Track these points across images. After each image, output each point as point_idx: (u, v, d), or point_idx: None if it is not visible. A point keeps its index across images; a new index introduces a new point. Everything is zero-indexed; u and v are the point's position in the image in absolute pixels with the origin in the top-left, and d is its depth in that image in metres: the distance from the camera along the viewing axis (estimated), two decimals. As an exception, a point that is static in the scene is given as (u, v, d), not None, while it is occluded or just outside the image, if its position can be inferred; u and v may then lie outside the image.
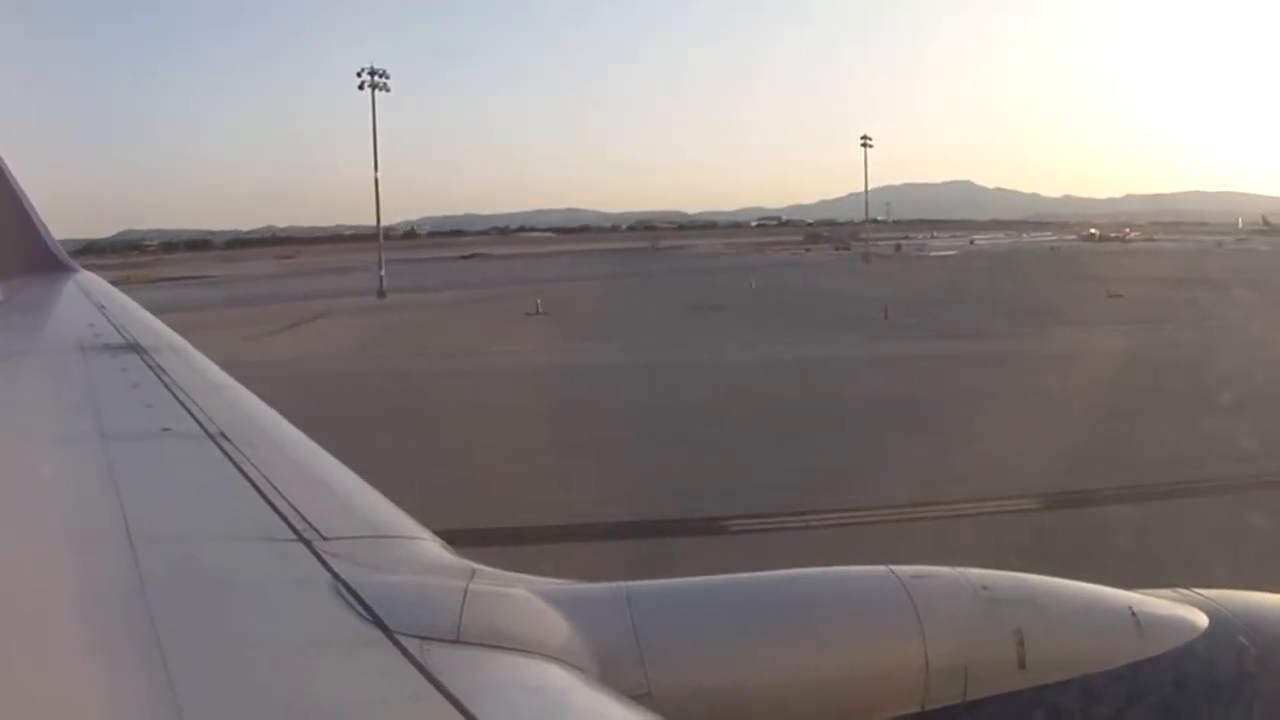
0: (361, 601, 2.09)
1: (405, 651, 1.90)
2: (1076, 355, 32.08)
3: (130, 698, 1.70)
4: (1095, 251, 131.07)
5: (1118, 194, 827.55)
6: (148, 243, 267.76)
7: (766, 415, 22.64)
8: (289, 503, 2.77)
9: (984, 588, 2.54)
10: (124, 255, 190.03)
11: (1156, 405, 22.44)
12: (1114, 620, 2.56)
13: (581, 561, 11.25)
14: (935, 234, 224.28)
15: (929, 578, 2.57)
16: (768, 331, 40.45)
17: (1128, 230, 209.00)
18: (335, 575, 2.25)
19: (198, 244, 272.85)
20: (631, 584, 2.49)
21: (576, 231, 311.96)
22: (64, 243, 11.09)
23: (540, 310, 50.09)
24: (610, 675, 2.16)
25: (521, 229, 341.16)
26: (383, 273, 70.22)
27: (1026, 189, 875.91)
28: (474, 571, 2.40)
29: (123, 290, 10.06)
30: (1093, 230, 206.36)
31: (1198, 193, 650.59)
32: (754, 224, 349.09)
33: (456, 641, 2.00)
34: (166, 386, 4.58)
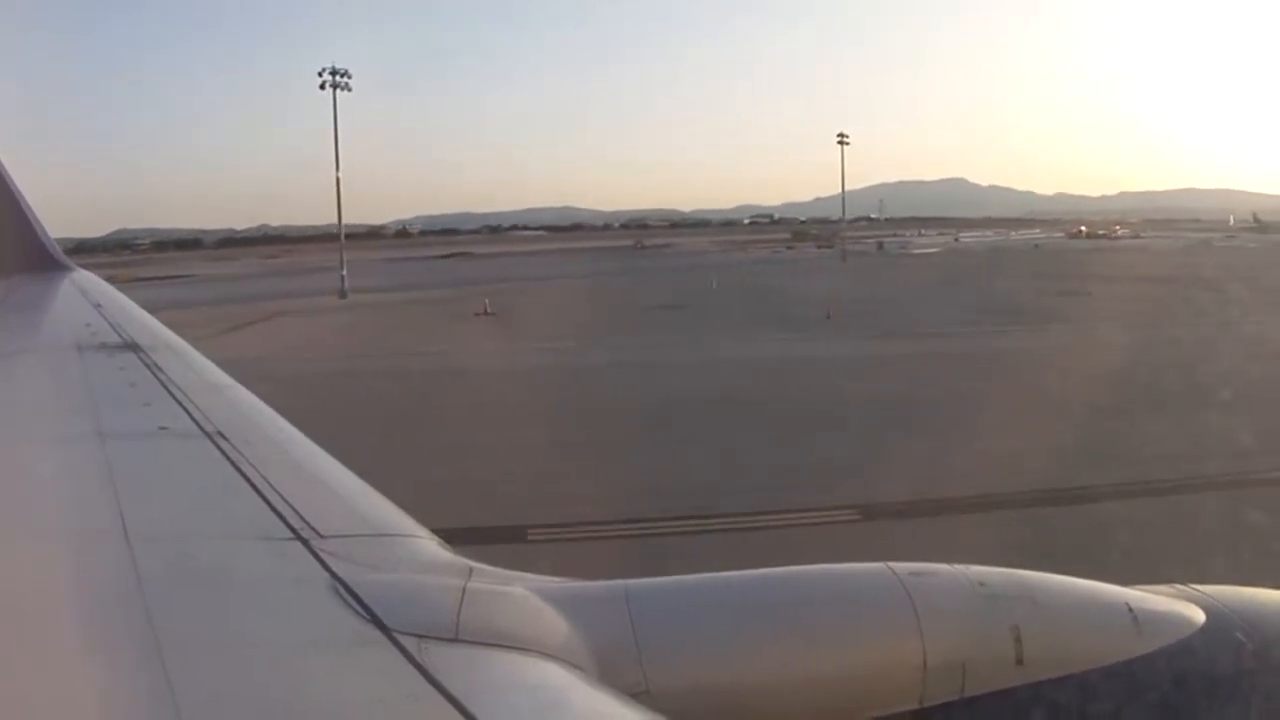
0: (359, 600, 2.09)
1: (403, 650, 1.89)
2: (996, 355, 31.95)
3: (128, 697, 1.69)
4: (1079, 249, 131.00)
5: (1111, 191, 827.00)
6: (139, 242, 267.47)
7: (640, 417, 22.66)
8: (287, 502, 2.77)
9: (981, 584, 2.55)
10: (115, 254, 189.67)
11: (1053, 409, 22.14)
12: (1111, 616, 2.57)
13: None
14: (923, 231, 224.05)
15: (927, 575, 2.57)
16: (704, 331, 40.34)
17: (1116, 227, 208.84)
18: (333, 574, 2.25)
19: (189, 243, 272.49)
20: (630, 582, 2.50)
21: (569, 230, 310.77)
22: (57, 242, 11.12)
23: (488, 311, 50.14)
24: (608, 673, 2.16)
25: (514, 228, 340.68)
26: (344, 273, 70.25)
27: (1021, 186, 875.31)
28: (472, 570, 2.40)
29: None
30: (1081, 228, 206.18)
31: (1192, 190, 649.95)
32: (746, 222, 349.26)
33: (455, 640, 1.99)
34: (164, 385, 4.58)
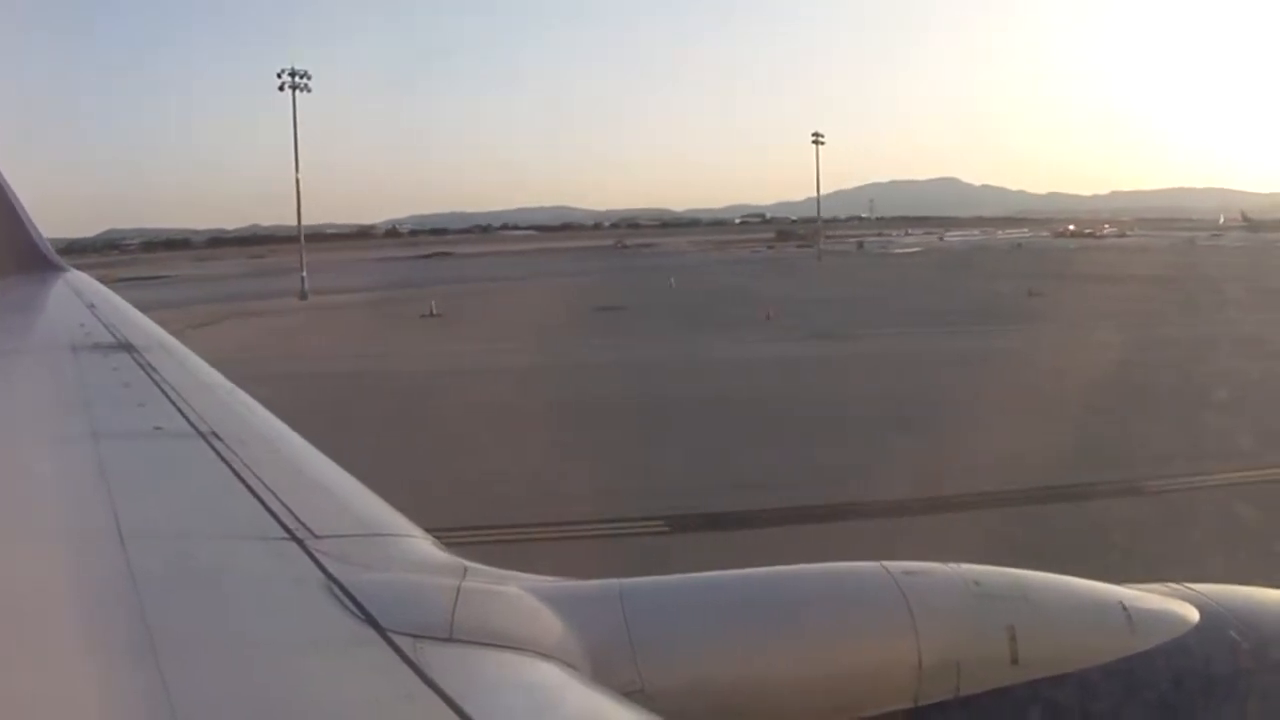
0: (354, 600, 2.07)
1: (398, 650, 1.88)
2: (908, 358, 31.65)
3: (121, 698, 1.69)
4: (1060, 248, 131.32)
5: (1104, 191, 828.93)
6: (128, 242, 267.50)
7: (533, 418, 22.20)
8: (281, 501, 2.74)
9: (976, 583, 2.54)
10: (103, 254, 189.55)
11: (926, 417, 21.72)
12: (1105, 615, 2.56)
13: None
14: (910, 231, 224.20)
15: (921, 573, 2.56)
16: (643, 333, 40.04)
17: (1105, 226, 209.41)
18: (327, 574, 2.22)
19: (178, 243, 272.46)
20: (624, 581, 2.48)
21: (559, 229, 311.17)
22: (48, 242, 11.03)
23: (433, 313, 50.11)
24: (603, 672, 2.15)
25: (504, 227, 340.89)
26: (304, 274, 70.16)
27: (1013, 186, 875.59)
28: (466, 569, 2.38)
29: None
30: (1070, 226, 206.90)
31: (1185, 189, 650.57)
32: (738, 221, 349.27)
33: (449, 639, 1.97)
34: (158, 385, 4.56)
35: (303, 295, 67.83)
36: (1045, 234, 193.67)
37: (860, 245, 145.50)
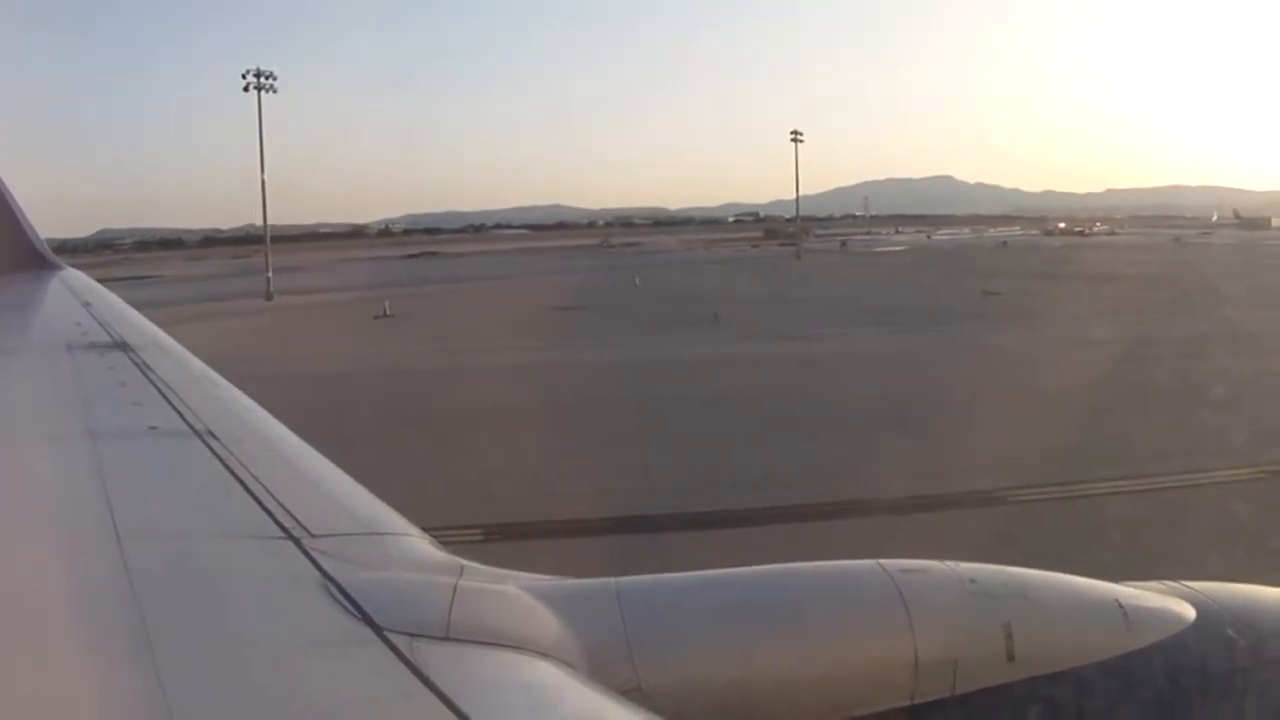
0: (350, 599, 2.07)
1: (395, 649, 1.89)
2: (830, 359, 31.67)
3: (118, 696, 1.69)
4: (1044, 246, 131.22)
5: (1098, 189, 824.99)
6: (121, 242, 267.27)
7: (418, 419, 22.37)
8: (277, 500, 2.75)
9: (972, 581, 2.54)
10: (95, 254, 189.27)
11: (836, 418, 21.77)
12: (1102, 613, 2.57)
13: None
14: (900, 229, 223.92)
15: (918, 572, 2.56)
16: (584, 334, 40.17)
17: (1097, 224, 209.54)
18: (324, 573, 2.22)
19: (171, 243, 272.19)
20: (621, 580, 2.49)
21: (553, 228, 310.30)
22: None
23: (387, 314, 50.24)
24: (600, 671, 2.15)
25: (498, 226, 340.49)
26: (269, 275, 70.22)
27: (1008, 184, 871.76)
28: (463, 568, 2.39)
29: None
30: (1061, 224, 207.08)
31: (1179, 187, 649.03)
32: (731, 220, 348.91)
33: (446, 638, 1.98)
34: (153, 384, 4.56)
35: (268, 296, 67.89)
36: (1035, 232, 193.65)
37: (844, 244, 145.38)
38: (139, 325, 6.98)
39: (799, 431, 20.06)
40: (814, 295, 57.38)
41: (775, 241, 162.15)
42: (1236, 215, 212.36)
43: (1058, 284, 62.43)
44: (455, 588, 2.21)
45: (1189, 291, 52.38)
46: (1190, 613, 2.61)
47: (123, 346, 5.64)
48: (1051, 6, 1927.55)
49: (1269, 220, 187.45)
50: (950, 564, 2.63)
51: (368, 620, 1.99)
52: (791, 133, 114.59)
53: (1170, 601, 2.66)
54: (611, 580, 2.49)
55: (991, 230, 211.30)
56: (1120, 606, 2.58)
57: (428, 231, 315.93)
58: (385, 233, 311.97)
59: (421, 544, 2.64)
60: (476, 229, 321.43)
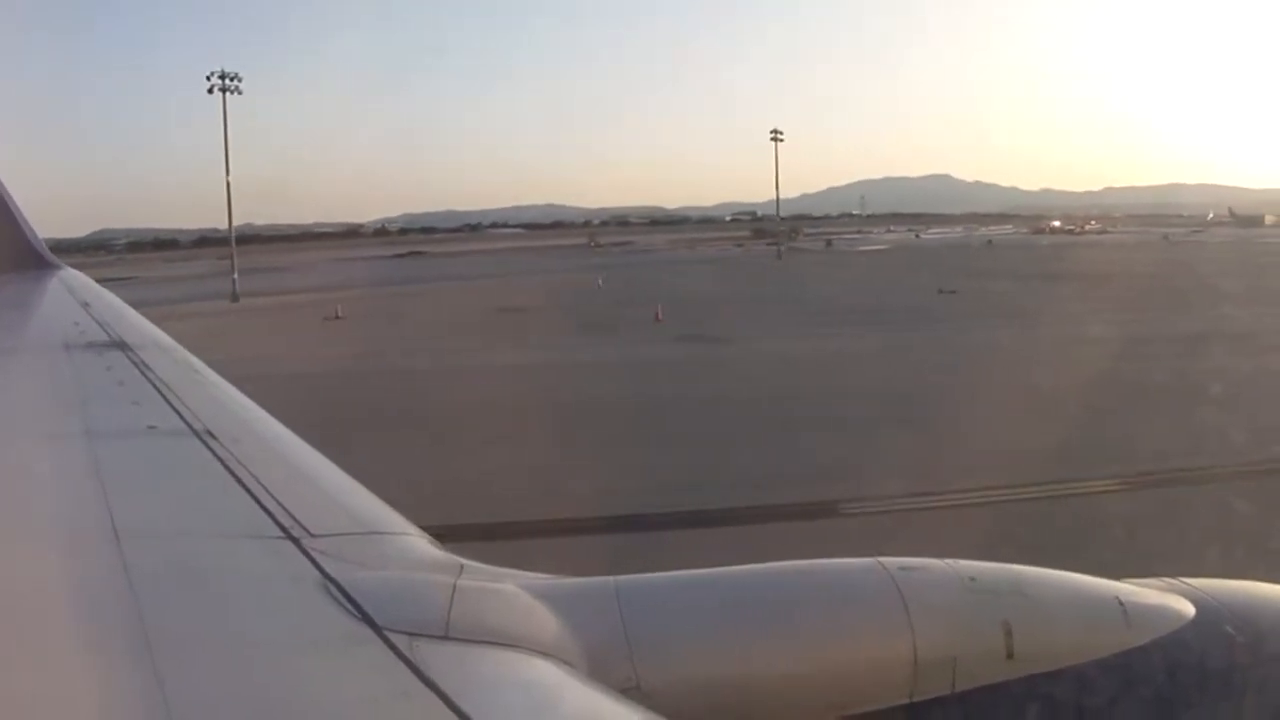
0: (350, 598, 2.07)
1: (394, 648, 1.89)
2: (748, 360, 31.54)
3: (117, 696, 1.69)
4: (1030, 244, 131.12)
5: (1096, 187, 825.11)
6: (114, 242, 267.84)
7: (309, 420, 22.07)
8: (276, 500, 2.74)
9: (972, 579, 2.53)
10: (89, 255, 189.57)
11: (740, 421, 21.62)
12: (1101, 610, 2.56)
13: None
14: (892, 228, 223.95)
15: (917, 569, 2.56)
16: (518, 335, 39.83)
17: (1092, 222, 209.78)
18: (323, 572, 2.22)
19: (166, 243, 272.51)
20: (620, 578, 2.48)
21: (548, 228, 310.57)
22: None
23: (338, 315, 50.39)
24: (599, 669, 2.15)
25: (494, 225, 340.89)
26: (235, 276, 70.60)
27: (1005, 182, 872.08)
28: (462, 567, 2.38)
29: None
30: (1055, 222, 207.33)
31: (1177, 185, 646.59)
32: (728, 219, 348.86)
33: (445, 637, 1.97)
34: (152, 384, 4.56)
35: (234, 298, 67.99)
36: (1025, 231, 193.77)
37: (829, 243, 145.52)
38: (138, 325, 6.95)
39: (640, 437, 19.85)
40: (772, 295, 57.30)
41: (763, 241, 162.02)
42: (1231, 213, 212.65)
43: (1019, 283, 62.28)
44: (454, 587, 2.20)
45: (1147, 290, 52.23)
46: (1189, 609, 2.61)
47: (121, 346, 5.63)
48: (1050, 5, 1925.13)
49: (1263, 218, 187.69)
50: (949, 562, 2.62)
51: (367, 620, 1.98)
52: (772, 132, 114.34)
53: (1169, 598, 2.66)
54: (610, 579, 2.48)
55: (984, 229, 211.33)
56: (1120, 603, 2.57)
57: (424, 231, 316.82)
58: (381, 232, 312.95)
59: (420, 543, 2.64)
60: (473, 228, 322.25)
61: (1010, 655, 2.41)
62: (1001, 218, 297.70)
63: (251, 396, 4.66)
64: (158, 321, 7.33)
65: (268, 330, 46.51)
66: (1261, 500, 14.05)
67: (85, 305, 7.68)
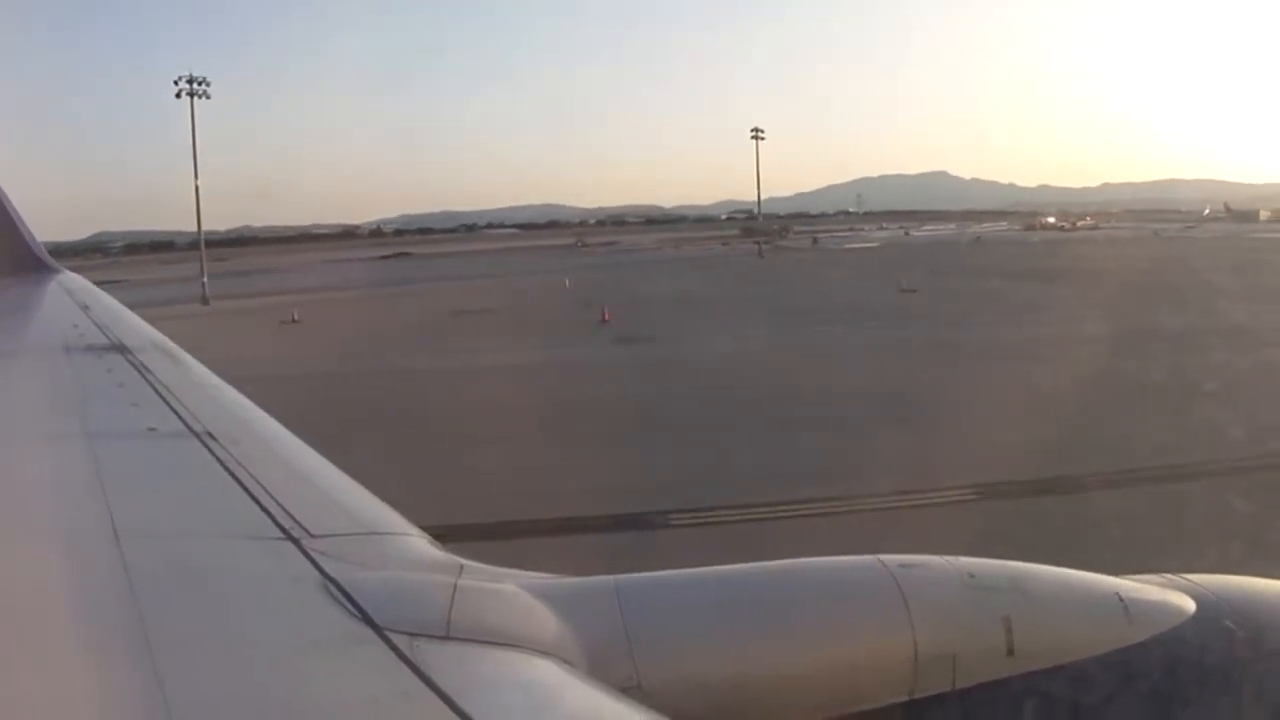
0: (350, 599, 2.07)
1: (395, 648, 1.89)
2: (667, 363, 31.64)
3: (117, 697, 1.68)
4: (1016, 241, 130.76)
5: (1094, 183, 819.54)
6: (111, 245, 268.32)
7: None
8: (276, 501, 2.75)
9: (971, 576, 2.54)
10: (85, 258, 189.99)
11: (597, 427, 21.69)
12: (1101, 606, 2.57)
13: None
14: (885, 226, 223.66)
15: (917, 567, 2.56)
16: (464, 339, 40.07)
17: (1087, 219, 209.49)
18: (323, 573, 2.22)
19: (162, 245, 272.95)
20: (620, 577, 2.49)
21: (544, 228, 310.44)
22: None
23: (294, 319, 50.71)
24: (600, 669, 2.15)
25: (490, 226, 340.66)
26: (205, 280, 70.85)
27: (1003, 179, 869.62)
28: (463, 567, 2.39)
29: None
30: (1051, 219, 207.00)
31: (1175, 181, 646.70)
32: (724, 217, 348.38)
33: (446, 637, 1.98)
34: (151, 386, 4.57)
35: (204, 301, 68.24)
36: (1018, 227, 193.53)
37: (815, 241, 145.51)
38: (137, 328, 6.99)
39: (498, 439, 19.83)
40: (733, 295, 57.43)
41: (751, 239, 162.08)
42: (1227, 209, 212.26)
43: (983, 280, 62.32)
44: (455, 587, 2.20)
45: (1108, 286, 52.09)
46: (1190, 605, 2.61)
47: (120, 349, 5.65)
48: (1047, 3, 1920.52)
49: (1257, 213, 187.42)
50: (949, 559, 2.63)
51: (368, 620, 1.98)
52: (753, 131, 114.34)
53: (1170, 594, 2.66)
54: (610, 578, 2.49)
55: (977, 226, 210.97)
56: (1120, 599, 2.57)
57: (420, 232, 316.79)
58: (377, 233, 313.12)
59: (421, 543, 2.65)
60: (469, 229, 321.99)
61: (1011, 652, 2.41)
62: (999, 215, 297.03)
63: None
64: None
65: (221, 333, 46.45)
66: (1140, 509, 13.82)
67: (84, 308, 7.73)
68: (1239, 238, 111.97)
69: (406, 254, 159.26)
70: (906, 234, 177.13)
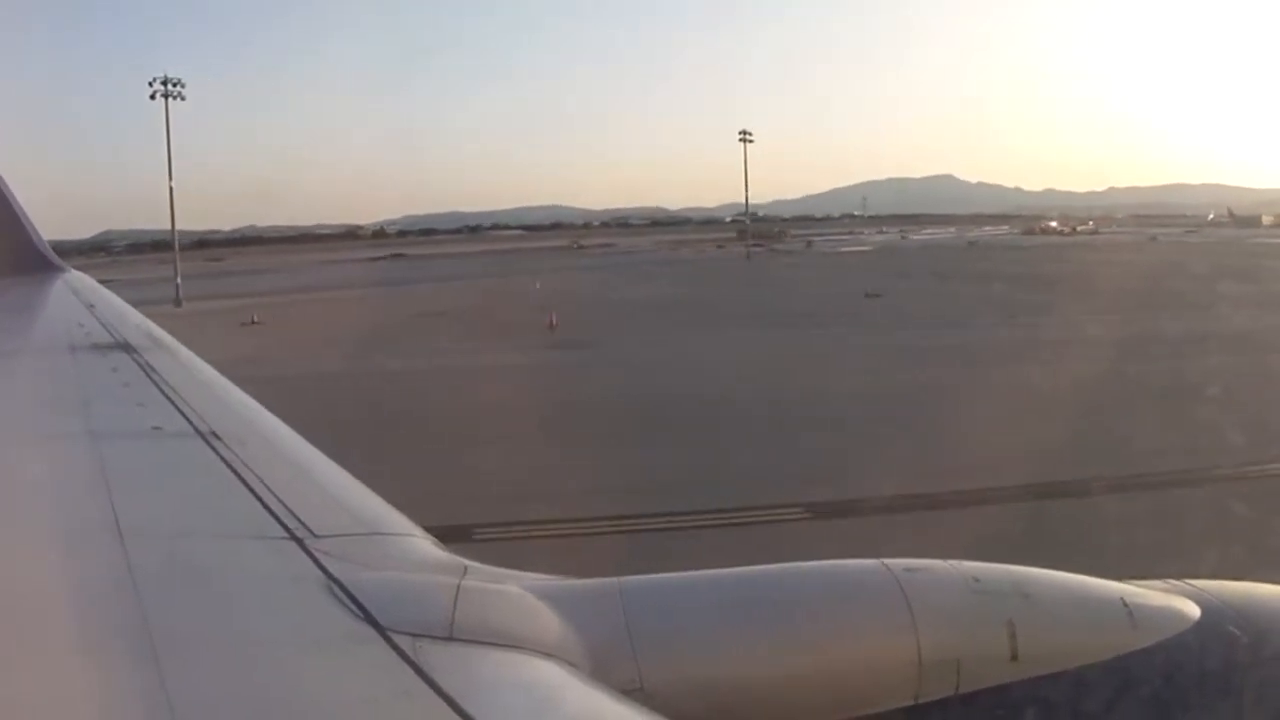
0: (354, 599, 2.08)
1: (398, 649, 1.89)
2: (608, 366, 31.69)
3: (122, 696, 1.68)
4: (1011, 245, 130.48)
5: (1100, 188, 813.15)
6: (114, 244, 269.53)
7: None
8: (280, 501, 2.75)
9: (976, 580, 2.54)
10: (89, 257, 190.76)
11: (497, 431, 21.73)
12: (1106, 611, 2.57)
13: None
14: (884, 229, 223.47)
15: (921, 570, 2.56)
16: (414, 341, 40.08)
17: (1089, 223, 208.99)
18: (327, 573, 2.23)
19: (164, 245, 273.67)
20: (624, 579, 2.49)
21: (547, 229, 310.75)
22: None
23: (254, 321, 50.96)
24: (603, 670, 2.15)
25: (494, 227, 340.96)
26: (178, 281, 70.90)
27: (1009, 183, 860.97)
28: (466, 568, 2.40)
29: None
30: (1053, 223, 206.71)
31: (1181, 185, 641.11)
32: (729, 220, 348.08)
33: (450, 639, 1.98)
34: (156, 385, 4.58)
35: (177, 303, 68.45)
36: (1016, 231, 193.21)
37: (809, 244, 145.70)
38: (142, 327, 7.02)
39: (387, 441, 19.65)
40: (699, 298, 57.51)
41: (744, 242, 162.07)
42: (1230, 213, 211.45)
43: (958, 284, 62.28)
44: (458, 588, 2.20)
45: (1076, 290, 51.81)
46: (1195, 611, 2.61)
47: (126, 348, 5.68)
48: (1053, 5, 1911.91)
49: (1260, 219, 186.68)
50: (954, 563, 2.63)
51: (371, 621, 1.99)
52: (740, 133, 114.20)
53: (1174, 600, 2.66)
54: (614, 580, 2.49)
55: (977, 230, 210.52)
56: (1125, 605, 2.57)
57: (424, 233, 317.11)
58: (380, 234, 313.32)
59: (424, 544, 2.65)
60: (473, 230, 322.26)
61: (1014, 657, 2.41)
62: (1003, 218, 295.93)
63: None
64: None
65: (178, 333, 46.68)
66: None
67: (90, 307, 7.78)
68: (1235, 243, 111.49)
69: (401, 255, 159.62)
70: (903, 237, 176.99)
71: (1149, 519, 13.71)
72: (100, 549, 2.33)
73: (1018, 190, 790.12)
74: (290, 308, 58.51)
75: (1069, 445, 17.58)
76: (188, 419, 3.84)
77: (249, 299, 69.65)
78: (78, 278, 10.49)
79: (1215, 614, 2.60)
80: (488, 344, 38.71)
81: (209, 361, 5.68)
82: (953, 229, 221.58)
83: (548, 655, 2.07)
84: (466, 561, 2.47)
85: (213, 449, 3.37)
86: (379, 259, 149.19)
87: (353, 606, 2.05)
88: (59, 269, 10.76)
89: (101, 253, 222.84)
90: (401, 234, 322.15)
